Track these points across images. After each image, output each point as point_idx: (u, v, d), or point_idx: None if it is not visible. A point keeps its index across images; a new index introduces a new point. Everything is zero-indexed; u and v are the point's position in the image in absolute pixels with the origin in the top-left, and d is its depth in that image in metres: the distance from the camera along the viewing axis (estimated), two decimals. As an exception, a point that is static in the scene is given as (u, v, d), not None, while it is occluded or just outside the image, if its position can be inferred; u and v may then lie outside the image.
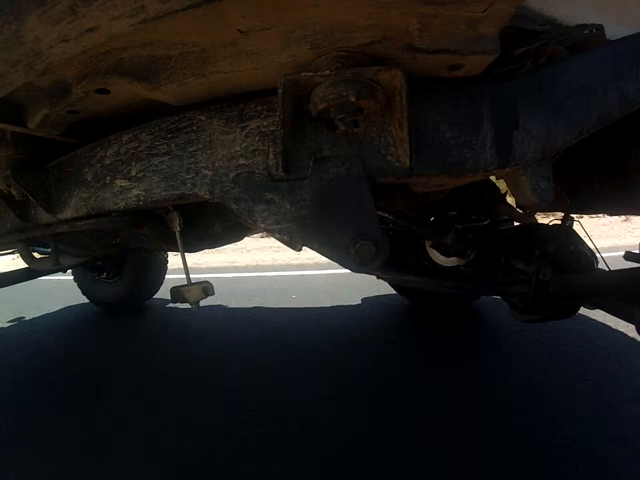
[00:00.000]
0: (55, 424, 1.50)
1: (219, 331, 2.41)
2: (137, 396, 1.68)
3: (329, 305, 2.72)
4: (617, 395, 1.44)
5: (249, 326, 2.44)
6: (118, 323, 2.77)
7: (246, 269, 4.64)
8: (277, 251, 5.43)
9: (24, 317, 3.00)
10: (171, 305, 2.91)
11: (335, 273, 3.57)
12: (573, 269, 1.03)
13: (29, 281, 2.25)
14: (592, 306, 1.09)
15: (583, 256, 1.06)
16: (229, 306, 2.86)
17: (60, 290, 3.71)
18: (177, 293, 0.94)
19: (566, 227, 1.10)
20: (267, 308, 2.79)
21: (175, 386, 1.74)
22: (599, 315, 2.04)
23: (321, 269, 3.91)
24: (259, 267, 4.69)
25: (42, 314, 3.05)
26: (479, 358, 1.85)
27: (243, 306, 2.85)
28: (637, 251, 1.05)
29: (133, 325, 2.70)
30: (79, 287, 2.95)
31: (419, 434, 1.30)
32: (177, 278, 2.89)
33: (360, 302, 2.76)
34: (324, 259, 0.72)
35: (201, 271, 4.53)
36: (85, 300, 3.04)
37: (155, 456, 1.28)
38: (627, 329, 1.87)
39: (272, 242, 5.56)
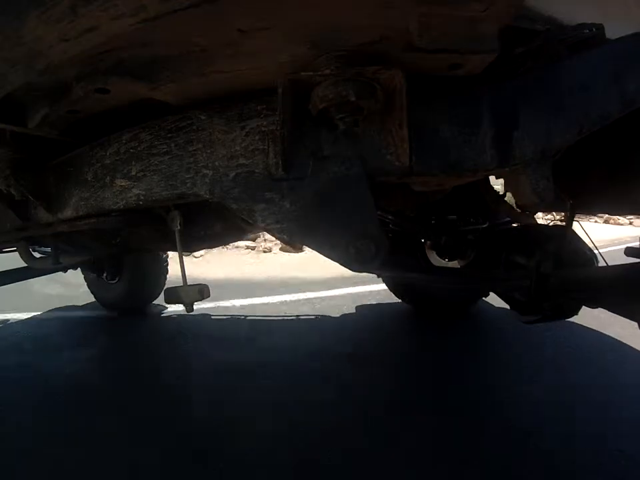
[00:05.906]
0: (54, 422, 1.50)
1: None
2: (137, 395, 1.68)
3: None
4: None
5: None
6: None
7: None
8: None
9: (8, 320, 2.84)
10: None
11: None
12: (573, 267, 1.03)
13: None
14: (593, 305, 1.08)
15: (583, 255, 1.06)
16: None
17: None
18: (173, 293, 0.89)
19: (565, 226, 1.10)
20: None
21: (172, 384, 1.75)
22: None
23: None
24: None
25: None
26: (478, 360, 1.85)
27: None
28: (638, 245, 1.04)
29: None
30: (89, 287, 2.92)
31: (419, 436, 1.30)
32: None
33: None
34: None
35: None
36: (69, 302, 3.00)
37: (153, 455, 1.28)
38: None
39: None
